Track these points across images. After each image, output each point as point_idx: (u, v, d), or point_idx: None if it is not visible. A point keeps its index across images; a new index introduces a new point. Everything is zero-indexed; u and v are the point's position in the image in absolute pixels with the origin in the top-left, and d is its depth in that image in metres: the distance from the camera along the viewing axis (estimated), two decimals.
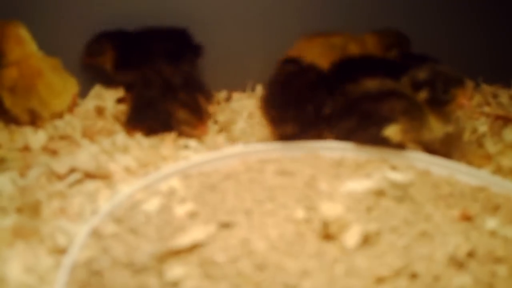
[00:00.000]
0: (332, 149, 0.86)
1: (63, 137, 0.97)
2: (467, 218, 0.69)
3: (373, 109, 0.84)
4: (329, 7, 1.21)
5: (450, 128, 0.86)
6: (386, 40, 1.15)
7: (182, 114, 0.96)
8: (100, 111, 1.07)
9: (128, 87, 1.12)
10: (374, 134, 0.84)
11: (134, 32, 1.12)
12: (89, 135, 0.97)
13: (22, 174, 0.84)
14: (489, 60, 1.26)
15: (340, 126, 0.88)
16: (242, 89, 1.21)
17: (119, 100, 1.11)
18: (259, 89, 1.21)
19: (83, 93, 1.12)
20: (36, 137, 0.96)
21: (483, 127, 1.04)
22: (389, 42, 1.14)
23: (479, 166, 0.88)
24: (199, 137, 0.98)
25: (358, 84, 0.88)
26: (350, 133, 0.86)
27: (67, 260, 0.61)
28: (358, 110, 0.86)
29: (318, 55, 1.07)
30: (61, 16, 1.11)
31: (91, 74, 1.14)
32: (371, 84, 0.87)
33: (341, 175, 0.79)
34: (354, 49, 1.12)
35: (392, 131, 0.83)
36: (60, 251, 0.67)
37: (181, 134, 0.98)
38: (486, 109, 1.14)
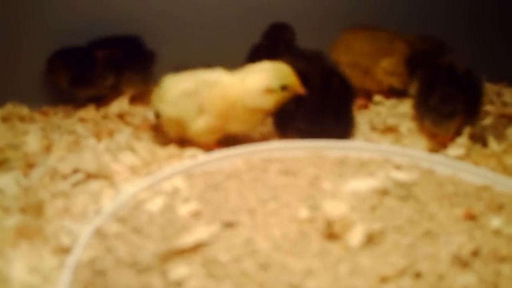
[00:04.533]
0: (335, 148, 0.86)
1: None
2: (471, 217, 0.69)
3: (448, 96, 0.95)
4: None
5: None
6: (417, 45, 1.15)
7: None
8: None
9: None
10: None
11: (87, 46, 1.12)
12: (92, 134, 0.97)
13: (26, 174, 0.85)
14: (493, 59, 1.25)
15: (425, 103, 0.98)
16: None
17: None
18: None
19: None
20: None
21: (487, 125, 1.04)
22: (421, 48, 1.15)
23: (483, 165, 0.88)
24: None
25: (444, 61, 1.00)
26: (429, 110, 0.96)
27: (71, 260, 0.61)
28: (440, 90, 0.96)
29: (363, 46, 1.08)
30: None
31: None
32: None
33: (344, 174, 0.78)
34: (401, 46, 1.13)
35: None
36: (64, 251, 0.67)
37: None
38: (490, 108, 1.14)
